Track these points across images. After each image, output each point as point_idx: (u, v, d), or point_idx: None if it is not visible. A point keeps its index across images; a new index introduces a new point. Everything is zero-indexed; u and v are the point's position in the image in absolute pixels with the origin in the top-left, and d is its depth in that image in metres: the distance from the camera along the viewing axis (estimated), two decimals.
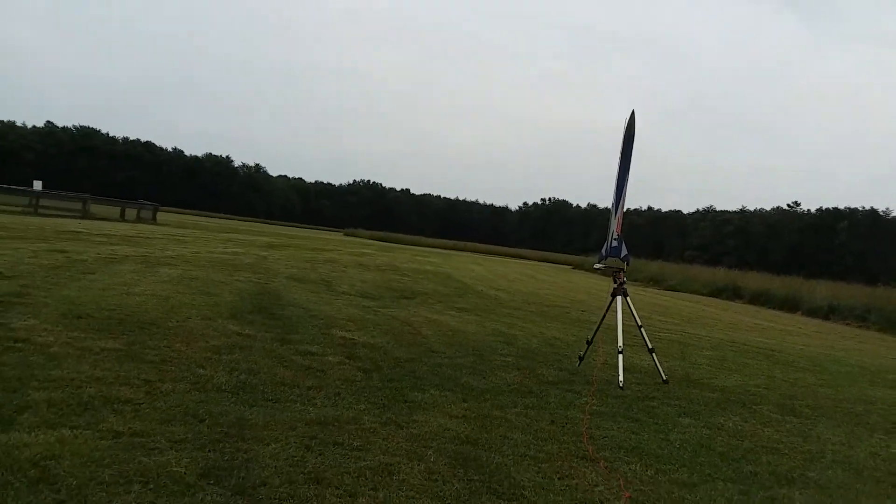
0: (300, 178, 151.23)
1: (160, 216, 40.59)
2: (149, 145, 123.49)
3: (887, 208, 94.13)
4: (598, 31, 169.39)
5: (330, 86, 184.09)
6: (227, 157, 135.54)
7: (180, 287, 9.82)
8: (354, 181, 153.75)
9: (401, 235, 79.86)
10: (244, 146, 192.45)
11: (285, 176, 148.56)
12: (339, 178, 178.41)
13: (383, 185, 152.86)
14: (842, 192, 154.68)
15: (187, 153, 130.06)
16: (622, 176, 7.39)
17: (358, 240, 61.26)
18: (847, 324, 21.95)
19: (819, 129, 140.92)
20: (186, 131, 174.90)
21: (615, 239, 7.51)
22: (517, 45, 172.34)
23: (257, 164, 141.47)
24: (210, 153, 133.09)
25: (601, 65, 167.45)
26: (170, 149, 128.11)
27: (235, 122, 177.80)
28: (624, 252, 7.51)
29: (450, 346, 7.90)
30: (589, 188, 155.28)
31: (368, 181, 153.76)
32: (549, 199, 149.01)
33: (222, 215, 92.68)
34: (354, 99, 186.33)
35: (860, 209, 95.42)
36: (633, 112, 7.28)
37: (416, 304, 12.12)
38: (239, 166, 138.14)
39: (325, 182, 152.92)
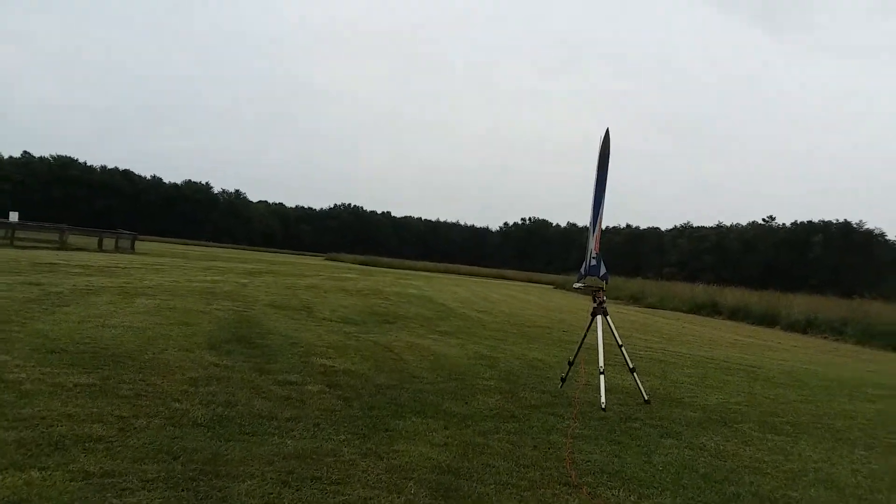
0: (281, 204, 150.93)
1: (139, 245, 40.16)
2: (127, 174, 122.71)
3: (860, 221, 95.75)
4: (575, 49, 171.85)
5: (311, 109, 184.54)
6: (206, 183, 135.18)
7: (158, 318, 9.69)
8: (335, 205, 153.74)
9: (383, 259, 79.80)
10: (224, 172, 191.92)
11: (265, 201, 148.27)
12: (320, 202, 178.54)
13: (364, 209, 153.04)
14: (816, 206, 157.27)
15: (166, 181, 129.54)
16: (599, 194, 7.44)
17: (340, 264, 61.05)
18: (825, 337, 22.18)
19: (791, 143, 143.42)
20: (165, 159, 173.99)
21: (594, 258, 7.53)
22: (497, 61, 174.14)
23: (237, 191, 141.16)
24: (189, 180, 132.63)
25: (578, 82, 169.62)
26: (148, 177, 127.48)
27: (215, 149, 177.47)
28: (603, 271, 7.53)
29: (431, 371, 7.85)
30: (568, 207, 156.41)
31: (349, 205, 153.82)
32: (530, 218, 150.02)
33: (202, 243, 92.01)
34: (335, 122, 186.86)
35: (834, 222, 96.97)
36: (607, 130, 7.36)
37: (398, 328, 12.06)
38: (219, 192, 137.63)
39: (305, 207, 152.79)
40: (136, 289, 13.89)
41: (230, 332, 9.12)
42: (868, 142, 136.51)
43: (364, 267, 58.89)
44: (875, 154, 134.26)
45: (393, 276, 39.06)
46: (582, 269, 7.68)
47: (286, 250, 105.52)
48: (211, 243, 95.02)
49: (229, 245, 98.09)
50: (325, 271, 36.73)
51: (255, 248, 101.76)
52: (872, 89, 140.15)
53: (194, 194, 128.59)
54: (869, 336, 20.75)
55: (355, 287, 23.68)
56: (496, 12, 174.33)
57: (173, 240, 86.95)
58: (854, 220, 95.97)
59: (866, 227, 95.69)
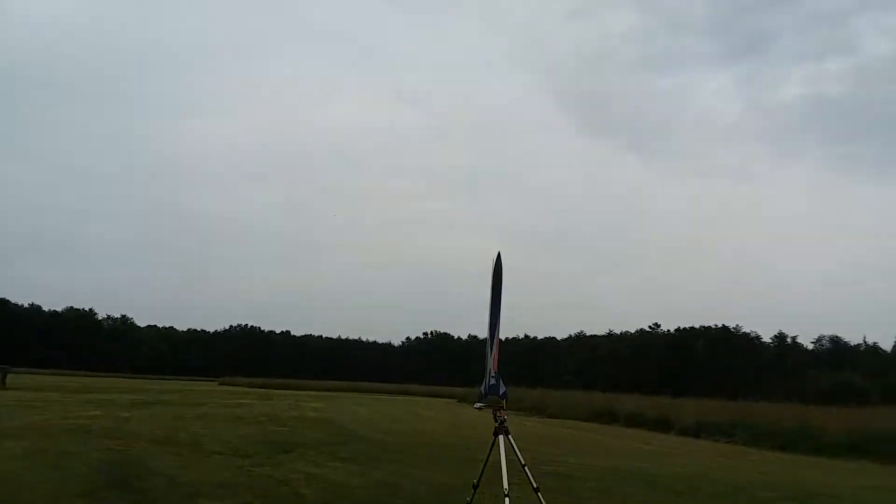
0: (171, 327, 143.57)
1: (13, 379, 36.72)
2: (3, 302, 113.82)
3: (737, 325, 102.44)
4: (466, 171, 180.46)
5: (203, 232, 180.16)
6: (90, 310, 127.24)
7: (26, 463, 8.79)
8: (231, 326, 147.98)
9: (282, 380, 76.70)
10: (109, 297, 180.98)
11: (154, 326, 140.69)
12: (214, 324, 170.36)
13: (261, 329, 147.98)
14: (696, 313, 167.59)
15: (46, 308, 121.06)
16: (494, 315, 7.65)
17: (235, 388, 58.09)
18: (716, 440, 23.01)
19: (669, 255, 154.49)
20: (45, 285, 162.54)
21: (493, 376, 7.62)
22: (390, 184, 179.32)
23: (124, 316, 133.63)
24: (71, 307, 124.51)
25: (471, 201, 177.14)
26: (26, 304, 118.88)
27: (99, 273, 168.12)
28: (502, 389, 7.61)
29: None
30: (468, 320, 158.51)
31: (246, 325, 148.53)
32: (432, 332, 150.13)
33: (85, 373, 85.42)
34: (229, 244, 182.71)
35: (713, 327, 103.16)
36: (499, 254, 7.68)
37: (294, 457, 11.48)
38: (103, 319, 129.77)
39: (198, 329, 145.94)
40: (3, 431, 12.60)
41: (107, 476, 8.37)
42: (734, 252, 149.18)
43: (261, 390, 56.26)
44: (741, 263, 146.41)
45: (292, 399, 37.49)
46: (482, 388, 7.73)
47: (176, 376, 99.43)
48: (94, 373, 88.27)
49: (114, 374, 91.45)
50: (217, 398, 34.78)
51: (143, 375, 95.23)
52: (730, 204, 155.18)
53: (76, 321, 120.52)
54: (756, 438, 21.73)
55: (251, 413, 22.51)
56: (391, 138, 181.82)
57: (53, 371, 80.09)
58: (731, 324, 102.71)
59: (743, 330, 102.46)
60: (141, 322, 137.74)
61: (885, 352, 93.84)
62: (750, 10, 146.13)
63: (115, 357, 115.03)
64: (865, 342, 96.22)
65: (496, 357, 7.68)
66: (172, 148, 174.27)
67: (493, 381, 7.61)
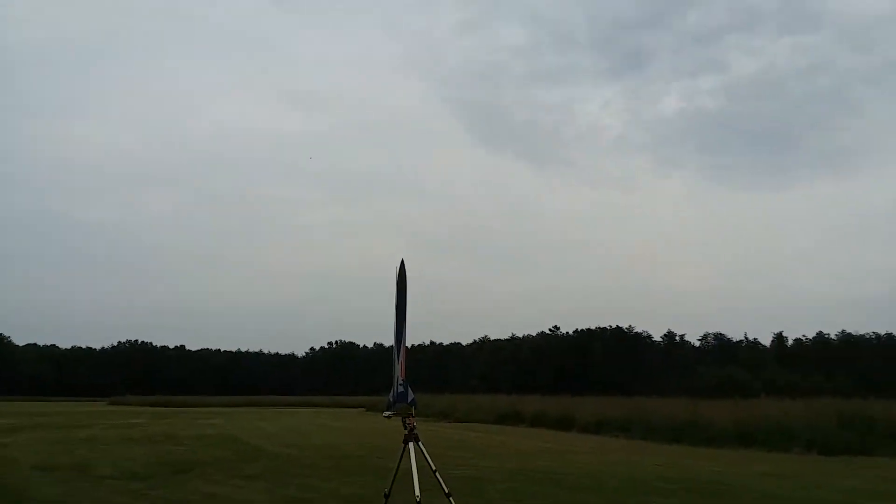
0: (53, 345, 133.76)
1: None
2: None
3: (630, 325, 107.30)
4: (364, 176, 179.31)
5: (87, 244, 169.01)
6: None
7: None
8: (119, 342, 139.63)
9: (179, 398, 73.13)
10: None
11: (34, 344, 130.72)
12: (101, 340, 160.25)
13: (153, 344, 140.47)
14: (591, 315, 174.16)
15: None
16: (399, 322, 7.62)
17: (126, 408, 54.82)
18: (615, 436, 23.94)
19: (564, 260, 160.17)
20: None
21: (400, 384, 7.57)
22: (285, 191, 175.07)
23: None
24: None
25: (370, 207, 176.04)
26: None
27: None
28: (410, 396, 7.58)
29: None
30: (373, 328, 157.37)
31: (136, 341, 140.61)
32: (336, 342, 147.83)
33: None
34: (118, 257, 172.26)
35: (608, 328, 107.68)
36: (402, 262, 7.65)
37: (194, 477, 10.94)
38: None
39: (83, 347, 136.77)
40: None
41: None
42: (624, 257, 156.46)
43: (155, 409, 53.41)
44: (631, 267, 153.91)
45: (189, 417, 35.80)
46: (390, 397, 7.67)
47: (60, 397, 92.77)
48: None
49: None
50: (106, 418, 32.72)
51: (22, 397, 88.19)
52: (618, 212, 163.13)
53: None
54: (651, 431, 22.77)
55: (144, 433, 21.32)
56: (281, 143, 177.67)
57: None
58: (624, 324, 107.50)
59: (635, 330, 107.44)
60: (19, 340, 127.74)
61: (764, 346, 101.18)
62: (630, 29, 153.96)
63: None
64: (747, 339, 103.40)
65: (403, 365, 7.65)
66: (45, 153, 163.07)
67: (401, 389, 7.57)
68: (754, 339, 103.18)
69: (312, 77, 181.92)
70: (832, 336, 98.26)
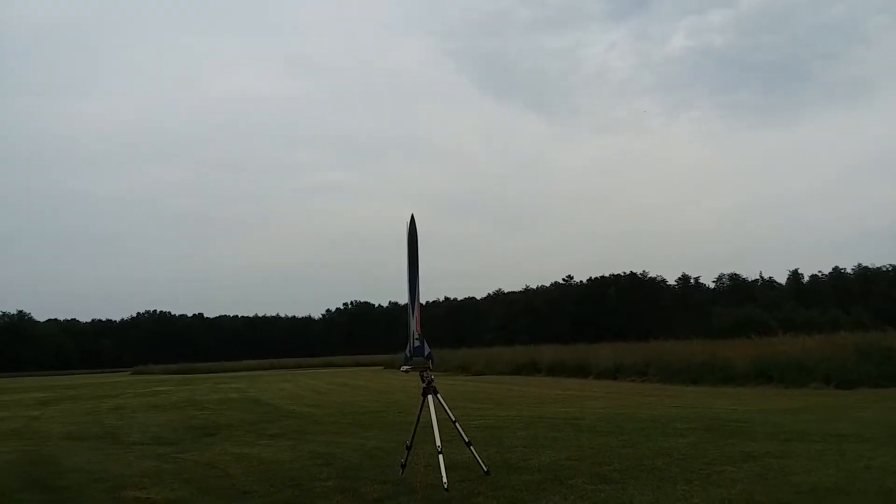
0: (74, 320, 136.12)
1: None
2: None
3: (644, 271, 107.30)
4: (371, 138, 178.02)
5: (100, 217, 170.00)
6: None
7: None
8: (138, 314, 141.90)
9: (200, 364, 74.43)
10: (2, 292, 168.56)
11: (55, 319, 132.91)
12: (120, 312, 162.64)
13: (172, 313, 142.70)
14: (605, 262, 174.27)
15: None
16: (412, 278, 7.62)
17: (149, 377, 55.91)
18: (632, 380, 24.15)
19: (576, 210, 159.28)
20: None
21: (416, 339, 7.62)
22: (291, 158, 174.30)
23: (20, 312, 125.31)
24: None
25: (379, 168, 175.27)
26: None
27: None
28: (427, 350, 7.63)
29: (263, 483, 7.32)
30: (388, 287, 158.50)
31: (154, 311, 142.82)
32: (351, 302, 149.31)
33: None
34: (129, 228, 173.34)
35: (622, 274, 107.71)
36: (412, 216, 7.61)
37: (220, 440, 11.18)
38: None
39: (103, 319, 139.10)
40: None
41: (21, 478, 7.88)
42: (635, 202, 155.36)
43: (178, 376, 54.44)
44: (643, 212, 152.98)
45: (212, 382, 36.47)
46: (407, 352, 7.72)
47: (84, 370, 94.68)
48: None
49: (15, 373, 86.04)
50: (131, 388, 33.41)
51: (48, 372, 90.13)
52: (628, 157, 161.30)
53: None
54: (669, 375, 22.94)
55: (168, 400, 21.76)
56: (291, 109, 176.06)
57: None
58: (638, 270, 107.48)
59: (650, 275, 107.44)
60: (40, 316, 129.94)
61: (780, 285, 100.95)
62: None
63: (16, 356, 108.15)
64: (762, 277, 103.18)
65: (418, 319, 7.68)
66: (54, 130, 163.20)
67: (417, 344, 7.62)
68: (770, 277, 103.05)
69: (315, 42, 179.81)
70: (848, 270, 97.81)
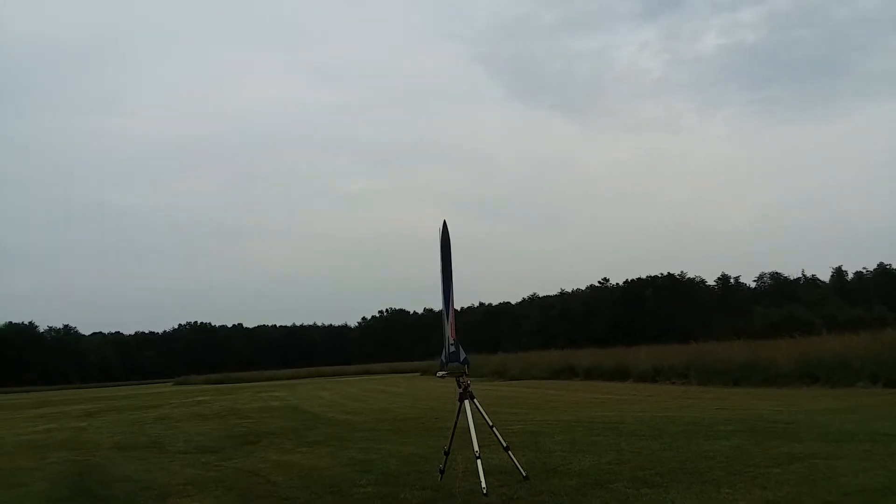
0: (118, 332, 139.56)
1: None
2: None
3: (682, 272, 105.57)
4: (400, 144, 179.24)
5: (141, 230, 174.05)
6: (30, 322, 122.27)
7: None
8: (180, 325, 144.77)
9: (240, 374, 75.62)
10: (49, 308, 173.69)
11: (100, 332, 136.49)
12: (163, 324, 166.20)
13: (212, 324, 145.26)
14: (642, 264, 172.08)
15: None
16: (446, 283, 7.64)
17: (191, 387, 56.94)
18: (672, 383, 23.78)
19: (610, 212, 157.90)
20: None
21: (452, 344, 7.63)
22: (323, 166, 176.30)
23: (66, 326, 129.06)
24: (10, 322, 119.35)
25: (408, 175, 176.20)
26: None
27: (37, 282, 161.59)
28: (462, 356, 7.64)
29: (304, 489, 7.41)
30: (422, 294, 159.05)
31: (195, 322, 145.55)
32: (387, 310, 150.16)
33: (30, 388, 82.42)
34: (168, 240, 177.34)
35: (659, 275, 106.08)
36: (444, 222, 7.65)
37: (262, 447, 11.34)
38: (45, 331, 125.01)
39: (146, 332, 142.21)
40: None
41: (70, 488, 8.11)
42: (671, 202, 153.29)
43: (219, 386, 55.35)
44: (679, 212, 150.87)
45: (252, 391, 37.00)
46: (443, 357, 7.75)
47: (129, 382, 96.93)
48: (41, 387, 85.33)
49: (62, 386, 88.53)
50: (174, 398, 34.07)
51: (93, 384, 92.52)
52: (662, 156, 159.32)
53: (17, 336, 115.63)
54: (710, 377, 22.51)
55: (211, 410, 22.14)
56: (322, 117, 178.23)
57: None
58: (676, 271, 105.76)
59: (687, 276, 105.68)
60: (85, 330, 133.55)
61: (823, 282, 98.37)
62: None
63: (62, 369, 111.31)
64: (804, 276, 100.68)
65: (453, 325, 7.69)
66: (88, 147, 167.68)
67: (452, 350, 7.63)
68: (812, 275, 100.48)
69: (342, 50, 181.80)
70: (895, 266, 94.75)
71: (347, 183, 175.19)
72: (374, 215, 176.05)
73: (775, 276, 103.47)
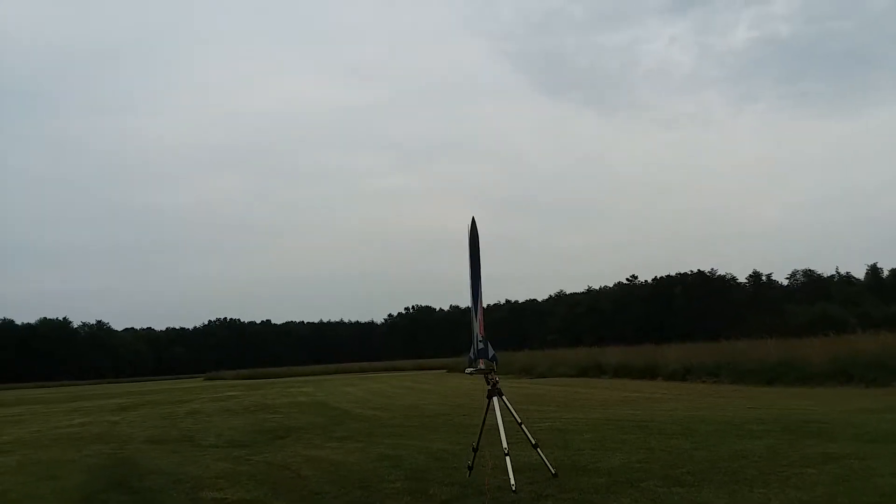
0: (149, 328, 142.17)
1: None
2: None
3: (712, 269, 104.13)
4: (430, 141, 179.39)
5: (169, 228, 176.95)
6: (64, 318, 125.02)
7: (20, 477, 8.66)
8: (210, 321, 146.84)
9: (268, 369, 76.51)
10: (83, 303, 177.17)
11: (132, 328, 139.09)
12: (193, 320, 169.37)
13: (241, 321, 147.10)
14: (671, 261, 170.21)
15: (19, 322, 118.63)
16: (475, 279, 7.64)
17: (221, 382, 57.77)
18: (703, 381, 23.45)
19: (639, 208, 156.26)
20: (16, 298, 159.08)
21: (480, 341, 7.63)
22: (350, 164, 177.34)
23: (99, 321, 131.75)
24: (45, 318, 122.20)
25: (438, 171, 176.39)
26: None
27: (70, 279, 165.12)
28: (491, 352, 7.63)
29: (334, 484, 7.47)
30: (448, 291, 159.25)
31: (225, 318, 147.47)
32: (413, 307, 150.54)
33: (65, 383, 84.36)
34: (197, 237, 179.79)
35: (689, 273, 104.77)
36: (472, 219, 7.63)
37: (292, 442, 11.46)
38: (79, 326, 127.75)
39: (177, 328, 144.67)
40: None
41: (105, 480, 8.28)
42: (702, 198, 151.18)
43: (248, 381, 56.06)
44: (710, 208, 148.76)
45: (281, 386, 37.40)
46: (471, 354, 7.74)
47: (160, 377, 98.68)
48: (75, 382, 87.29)
49: (95, 381, 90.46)
50: (205, 393, 34.58)
51: (126, 379, 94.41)
52: (693, 151, 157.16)
53: (51, 332, 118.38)
54: (742, 375, 22.14)
55: (241, 405, 22.42)
56: (349, 115, 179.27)
57: (32, 384, 79.03)
58: (706, 269, 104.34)
59: (718, 273, 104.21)
60: (118, 326, 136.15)
61: (858, 280, 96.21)
62: None
63: (95, 364, 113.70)
64: (838, 273, 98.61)
65: (482, 321, 7.68)
66: (119, 147, 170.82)
67: (481, 346, 7.62)
68: (846, 273, 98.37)
69: (371, 48, 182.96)
70: None
71: (375, 180, 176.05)
72: (401, 212, 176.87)
73: (808, 274, 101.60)
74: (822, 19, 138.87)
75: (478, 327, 7.65)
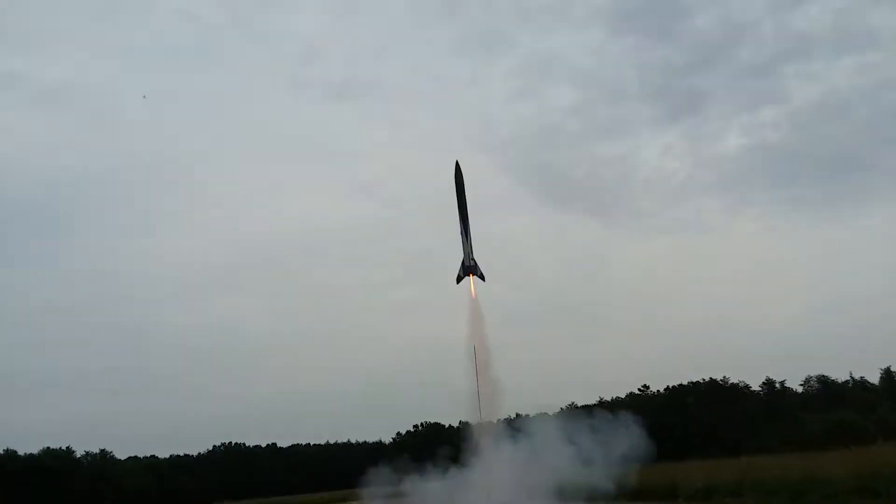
0: (153, 456, 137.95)
1: None
2: None
3: (724, 377, 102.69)
4: (433, 254, 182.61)
5: (168, 350, 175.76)
6: (67, 448, 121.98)
7: None
8: (214, 446, 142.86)
9: (273, 499, 74.12)
10: (85, 431, 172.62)
11: (136, 457, 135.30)
12: (197, 445, 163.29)
13: (246, 445, 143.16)
14: (682, 370, 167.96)
15: (21, 452, 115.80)
16: (463, 214, 8.46)
17: None
18: (727, 502, 23.23)
19: (646, 316, 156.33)
20: (19, 428, 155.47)
21: (471, 260, 8.27)
22: (350, 276, 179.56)
23: (103, 450, 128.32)
24: (48, 447, 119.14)
25: (440, 283, 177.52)
26: (1, 451, 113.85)
27: (73, 404, 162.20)
28: (479, 270, 8.18)
29: None
30: (458, 406, 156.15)
31: (230, 443, 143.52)
32: (422, 423, 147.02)
33: None
34: (198, 358, 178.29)
35: (701, 381, 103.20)
36: (457, 162, 8.53)
37: None
38: (81, 456, 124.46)
39: (180, 454, 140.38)
40: None
41: None
42: (708, 303, 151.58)
43: None
44: (717, 313, 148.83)
45: None
46: (461, 272, 8.33)
47: None
48: None
49: None
50: None
51: None
52: (694, 257, 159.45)
53: (54, 463, 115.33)
54: (766, 494, 21.97)
55: None
56: (355, 230, 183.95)
57: None
58: (718, 376, 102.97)
59: (731, 381, 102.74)
60: (121, 454, 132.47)
61: (873, 385, 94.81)
62: (681, 74, 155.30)
63: (99, 496, 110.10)
64: (853, 378, 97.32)
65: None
66: (116, 268, 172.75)
67: (471, 264, 8.26)
68: (861, 377, 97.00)
69: (375, 167, 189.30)
70: None
71: (377, 293, 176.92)
72: (405, 327, 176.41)
73: (822, 380, 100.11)
74: (809, 126, 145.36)
75: (469, 248, 8.32)
